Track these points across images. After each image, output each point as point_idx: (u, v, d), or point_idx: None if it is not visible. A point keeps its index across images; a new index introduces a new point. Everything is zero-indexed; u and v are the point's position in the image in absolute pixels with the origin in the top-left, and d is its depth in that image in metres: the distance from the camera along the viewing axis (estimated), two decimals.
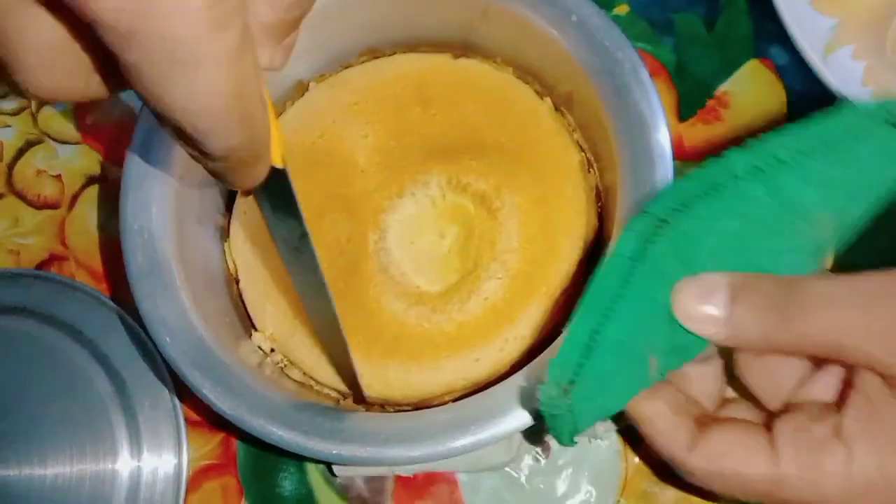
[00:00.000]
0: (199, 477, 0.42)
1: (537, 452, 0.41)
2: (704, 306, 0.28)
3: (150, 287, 0.36)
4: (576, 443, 0.30)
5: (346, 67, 0.42)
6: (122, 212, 0.36)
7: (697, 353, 0.29)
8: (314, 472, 0.41)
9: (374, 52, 0.42)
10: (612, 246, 0.30)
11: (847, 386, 0.28)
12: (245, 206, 0.41)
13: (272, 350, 0.39)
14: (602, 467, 0.41)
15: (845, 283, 0.27)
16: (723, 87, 0.45)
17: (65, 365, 0.42)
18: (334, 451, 0.33)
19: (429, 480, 0.41)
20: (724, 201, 0.29)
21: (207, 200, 0.40)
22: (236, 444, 0.42)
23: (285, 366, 0.39)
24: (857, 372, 0.28)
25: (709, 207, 0.29)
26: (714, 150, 0.43)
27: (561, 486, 0.40)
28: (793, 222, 0.29)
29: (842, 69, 0.43)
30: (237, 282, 0.40)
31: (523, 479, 0.41)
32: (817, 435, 0.27)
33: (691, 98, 0.45)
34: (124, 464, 0.41)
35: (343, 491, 0.41)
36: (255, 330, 0.39)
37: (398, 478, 0.41)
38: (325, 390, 0.38)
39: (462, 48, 0.41)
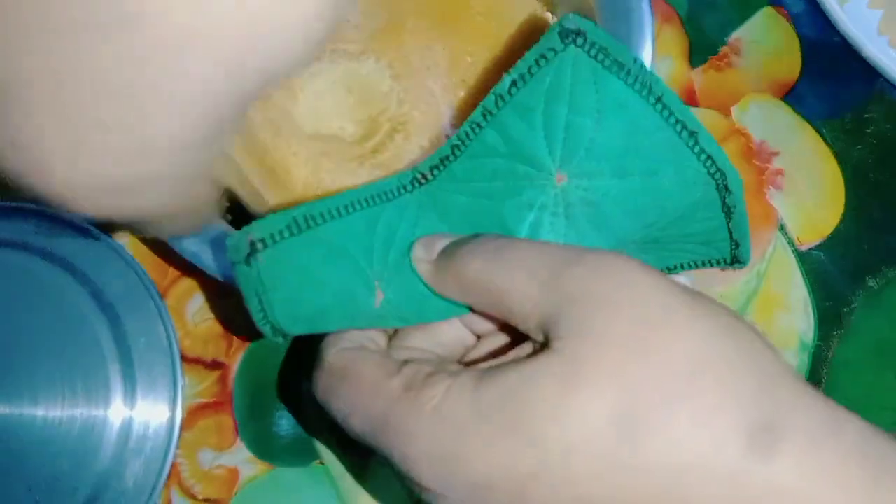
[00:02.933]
0: (194, 414, 0.41)
1: None
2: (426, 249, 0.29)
3: None
4: (280, 337, 0.29)
5: None
6: None
7: (431, 309, 0.29)
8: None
9: None
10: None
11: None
12: None
13: None
14: None
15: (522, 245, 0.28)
16: (735, 34, 0.44)
17: (59, 300, 0.41)
18: None
19: None
20: (471, 158, 0.29)
21: None
22: (233, 383, 0.41)
23: None
24: None
25: (461, 165, 0.29)
26: (726, 97, 0.44)
27: None
28: (527, 170, 0.28)
29: (858, 17, 0.42)
30: None
31: None
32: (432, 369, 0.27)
33: (703, 44, 0.44)
34: (118, 403, 0.40)
35: None
36: None
37: None
38: None
39: None
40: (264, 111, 0.38)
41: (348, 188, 0.37)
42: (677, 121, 0.27)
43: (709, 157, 0.28)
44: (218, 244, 0.35)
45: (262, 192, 0.38)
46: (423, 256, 0.29)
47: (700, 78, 0.44)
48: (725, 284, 0.41)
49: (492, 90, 0.28)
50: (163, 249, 0.36)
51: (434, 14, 0.40)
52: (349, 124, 0.39)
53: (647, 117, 0.27)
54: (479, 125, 0.28)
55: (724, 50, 0.44)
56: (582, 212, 0.28)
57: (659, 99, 0.27)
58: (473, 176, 0.29)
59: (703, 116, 0.43)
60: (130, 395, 0.40)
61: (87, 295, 0.41)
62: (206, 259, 0.35)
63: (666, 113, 0.27)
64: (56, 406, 0.40)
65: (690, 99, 0.44)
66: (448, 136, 0.38)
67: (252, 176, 0.38)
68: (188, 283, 0.42)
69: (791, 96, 0.44)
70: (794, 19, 0.44)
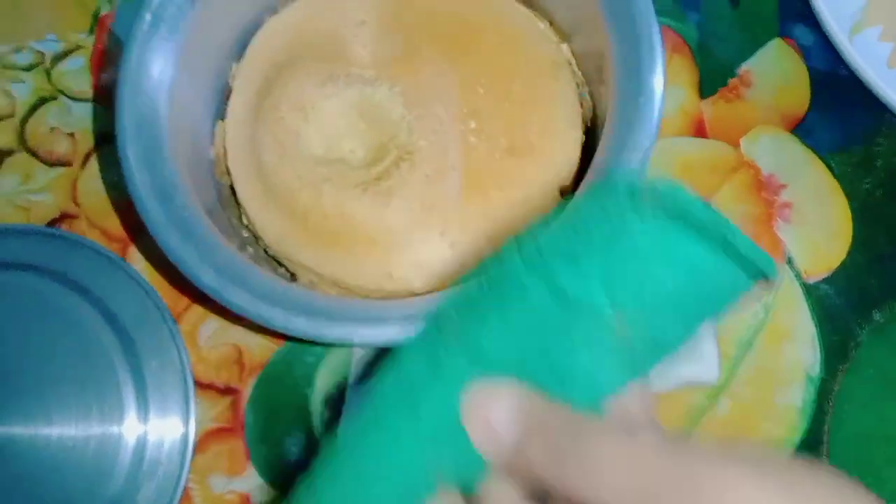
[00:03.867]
0: (206, 439, 0.42)
1: None
2: (492, 421, 0.25)
3: (140, 149, 0.37)
4: None
5: None
6: (121, 67, 0.38)
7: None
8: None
9: None
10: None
11: None
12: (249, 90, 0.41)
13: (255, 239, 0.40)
14: None
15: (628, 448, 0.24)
16: (745, 66, 0.45)
17: (73, 323, 0.42)
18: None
19: None
20: (513, 311, 0.26)
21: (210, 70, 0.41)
22: (245, 408, 0.42)
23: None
24: None
25: (501, 319, 0.26)
26: (735, 129, 0.44)
27: None
28: (583, 321, 0.25)
29: (867, 51, 0.43)
30: (227, 170, 0.41)
31: None
32: None
33: (713, 75, 0.44)
34: (131, 426, 0.40)
35: None
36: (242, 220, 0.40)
37: None
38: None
39: None
40: (274, 132, 0.39)
41: (349, 213, 0.38)
42: (753, 269, 0.25)
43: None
44: (237, 279, 0.35)
45: (267, 212, 0.39)
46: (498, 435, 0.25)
47: (710, 109, 0.44)
48: (733, 315, 0.42)
49: (530, 236, 0.26)
50: (177, 276, 0.36)
51: (448, 43, 0.40)
52: (359, 147, 0.39)
53: (717, 267, 0.25)
54: (515, 273, 0.26)
55: (733, 81, 0.44)
56: (638, 344, 0.26)
57: (732, 247, 0.24)
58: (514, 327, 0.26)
59: (711, 148, 0.44)
60: (143, 417, 0.40)
61: (101, 318, 0.42)
62: (227, 295, 0.35)
63: (740, 261, 0.25)
64: (70, 427, 0.40)
65: (700, 130, 0.44)
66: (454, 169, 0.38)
67: (257, 195, 0.39)
68: (202, 310, 0.42)
69: (800, 128, 0.44)
70: (803, 51, 0.45)
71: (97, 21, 0.46)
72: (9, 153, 0.45)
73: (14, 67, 0.46)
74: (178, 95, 0.38)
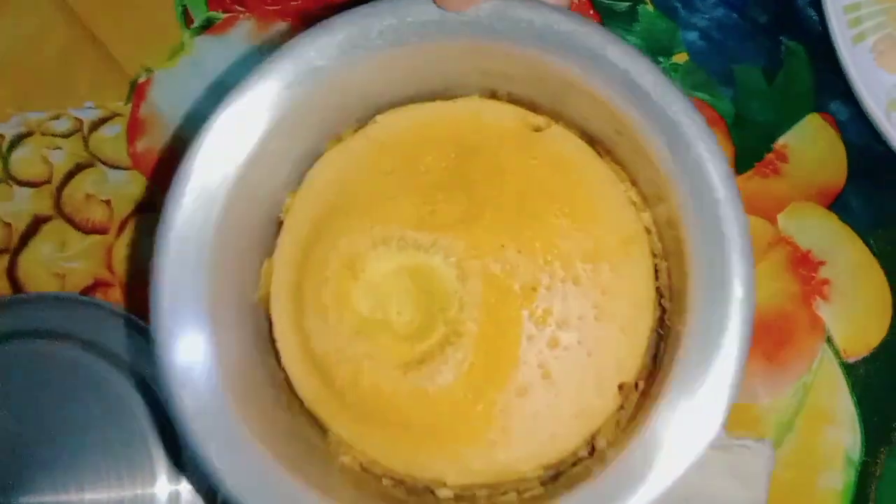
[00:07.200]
0: None
1: None
2: None
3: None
4: None
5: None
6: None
7: None
8: None
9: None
10: None
11: None
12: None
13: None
14: None
15: None
16: (781, 140, 0.44)
17: (105, 392, 0.42)
18: None
19: None
20: None
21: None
22: None
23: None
24: None
25: None
26: (771, 205, 0.44)
27: None
28: None
29: None
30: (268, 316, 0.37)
31: None
32: None
33: (749, 151, 0.44)
34: (162, 486, 0.40)
35: None
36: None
37: None
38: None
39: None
40: (319, 293, 0.35)
41: (387, 394, 0.34)
42: None
43: None
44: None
45: (305, 373, 0.36)
46: None
47: (746, 185, 0.44)
48: (772, 396, 0.41)
49: None
50: None
51: (514, 210, 0.35)
52: (407, 310, 0.36)
53: None
54: None
55: (769, 156, 0.44)
56: None
57: None
58: None
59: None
60: (175, 477, 0.41)
61: (133, 386, 0.42)
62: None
63: None
64: (101, 493, 0.40)
65: None
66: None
67: (296, 353, 0.36)
68: None
69: (837, 204, 0.44)
70: (840, 126, 0.45)
71: (134, 89, 0.47)
72: (46, 220, 0.46)
73: (52, 134, 0.47)
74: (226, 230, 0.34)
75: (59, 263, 0.45)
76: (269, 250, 0.37)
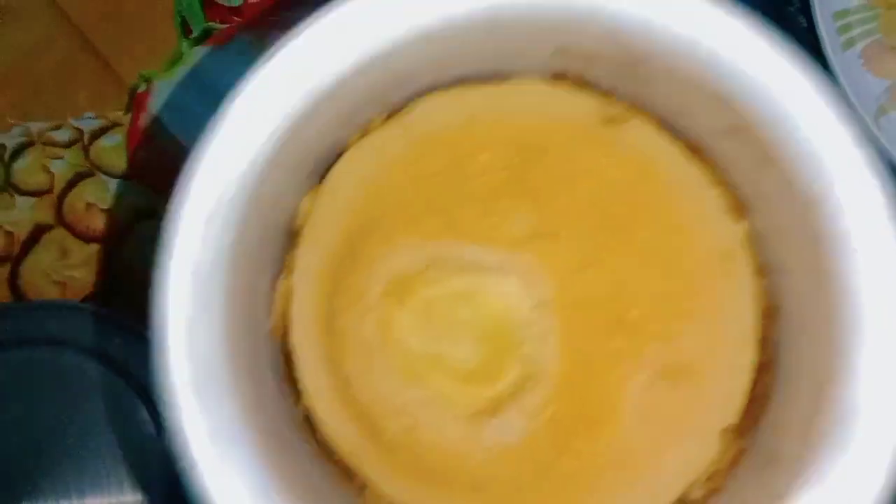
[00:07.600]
0: None
1: None
2: None
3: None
4: None
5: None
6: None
7: None
8: None
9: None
10: None
11: None
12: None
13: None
14: None
15: None
16: None
17: (107, 398, 0.42)
18: None
19: None
20: None
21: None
22: None
23: None
24: None
25: None
26: None
27: None
28: None
29: (895, 132, 0.43)
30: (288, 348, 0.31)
31: None
32: None
33: None
34: (162, 494, 0.41)
35: None
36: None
37: None
38: None
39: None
40: (358, 326, 0.29)
41: (450, 451, 0.28)
42: None
43: None
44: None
45: (340, 422, 0.30)
46: None
47: None
48: None
49: None
50: None
51: (593, 224, 0.29)
52: (467, 345, 0.29)
53: None
54: None
55: None
56: None
57: None
58: None
59: None
60: (175, 485, 0.41)
61: (134, 393, 0.42)
62: None
63: None
64: (102, 496, 0.41)
65: None
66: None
67: (328, 399, 0.29)
68: None
69: None
70: None
71: (134, 99, 0.47)
72: (47, 228, 0.46)
73: (53, 144, 0.47)
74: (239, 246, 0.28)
75: (61, 272, 0.46)
76: (281, 267, 0.31)
